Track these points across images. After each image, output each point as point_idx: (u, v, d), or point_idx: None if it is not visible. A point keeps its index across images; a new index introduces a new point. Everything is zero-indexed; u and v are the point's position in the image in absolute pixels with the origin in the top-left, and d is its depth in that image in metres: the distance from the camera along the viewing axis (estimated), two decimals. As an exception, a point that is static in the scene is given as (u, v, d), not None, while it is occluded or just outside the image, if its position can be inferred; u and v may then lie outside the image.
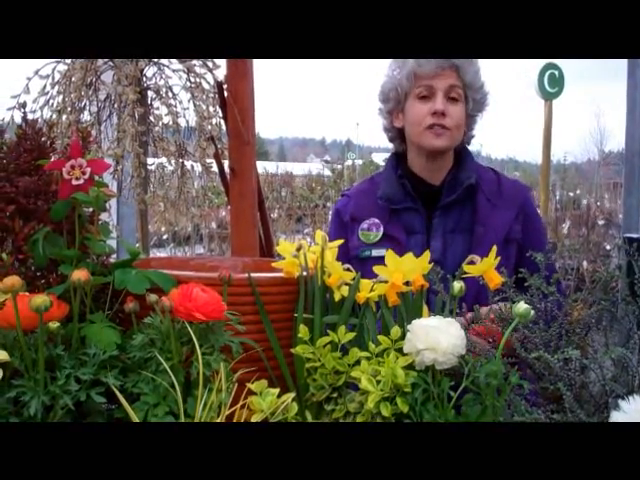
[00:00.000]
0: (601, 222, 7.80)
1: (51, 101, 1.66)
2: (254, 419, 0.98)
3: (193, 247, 7.65)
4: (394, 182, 1.66)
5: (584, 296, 1.14)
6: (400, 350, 1.04)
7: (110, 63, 1.68)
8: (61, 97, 1.66)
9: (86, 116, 1.73)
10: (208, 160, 1.74)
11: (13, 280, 0.88)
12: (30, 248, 1.07)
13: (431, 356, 0.98)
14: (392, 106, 1.65)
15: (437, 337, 0.98)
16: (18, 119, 1.27)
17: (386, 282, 1.11)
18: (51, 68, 1.65)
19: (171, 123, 1.72)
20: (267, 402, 1.00)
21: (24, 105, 1.29)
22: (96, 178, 1.09)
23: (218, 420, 0.92)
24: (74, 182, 1.06)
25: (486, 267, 1.14)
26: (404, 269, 1.09)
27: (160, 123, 1.75)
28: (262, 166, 12.60)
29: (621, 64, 3.60)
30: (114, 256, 1.19)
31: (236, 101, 1.81)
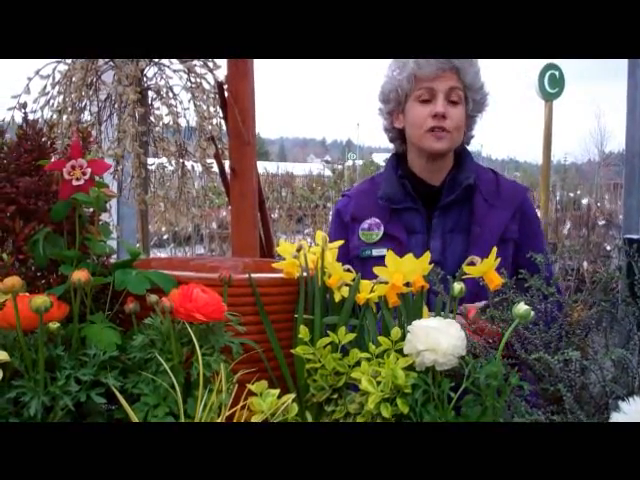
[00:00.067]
0: (601, 223, 7.80)
1: (52, 101, 1.66)
2: (254, 420, 0.98)
3: (193, 247, 7.65)
4: (394, 182, 1.66)
5: (584, 297, 1.14)
6: (400, 351, 1.04)
7: (111, 63, 1.68)
8: (62, 97, 1.66)
9: (86, 116, 1.73)
10: (208, 160, 1.74)
11: (13, 280, 0.88)
12: (30, 248, 1.07)
13: (431, 357, 0.98)
14: (392, 107, 1.66)
15: (437, 338, 0.98)
16: (19, 119, 1.27)
17: (386, 283, 1.11)
18: (52, 68, 1.65)
19: (171, 123, 1.72)
20: (267, 403, 1.00)
21: (25, 105, 1.29)
22: (96, 178, 1.09)
23: (218, 421, 0.92)
24: (74, 182, 1.06)
25: (486, 268, 1.14)
26: (404, 270, 1.09)
27: (160, 123, 1.75)
28: (262, 166, 12.60)
29: (621, 64, 3.60)
30: (114, 256, 1.19)
31: (236, 101, 1.81)
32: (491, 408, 0.98)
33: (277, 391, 1.02)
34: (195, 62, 1.69)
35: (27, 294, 0.94)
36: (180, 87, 1.71)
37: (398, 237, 1.60)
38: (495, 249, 1.15)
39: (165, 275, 1.09)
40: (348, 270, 1.17)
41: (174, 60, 1.70)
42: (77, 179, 1.06)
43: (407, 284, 1.10)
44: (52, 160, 1.13)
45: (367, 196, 1.69)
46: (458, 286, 1.10)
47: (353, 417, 1.04)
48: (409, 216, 1.63)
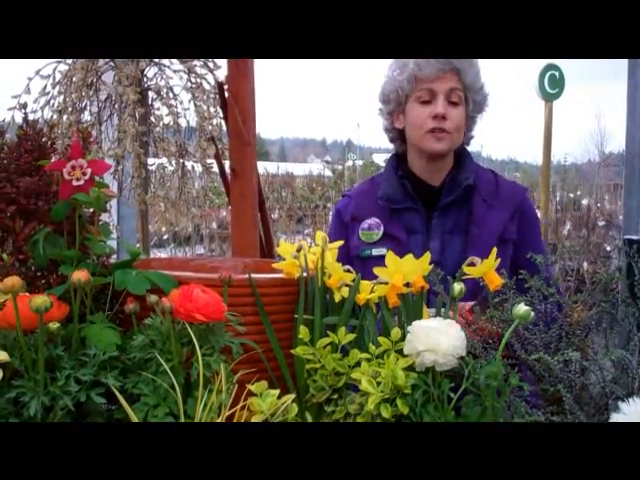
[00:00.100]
0: (601, 223, 7.80)
1: (52, 101, 1.66)
2: (254, 420, 0.98)
3: (194, 247, 7.65)
4: (394, 182, 1.67)
5: (584, 298, 1.14)
6: (400, 351, 1.04)
7: (111, 63, 1.68)
8: (62, 97, 1.66)
9: (87, 116, 1.73)
10: (209, 160, 1.74)
11: (13, 280, 0.89)
12: (30, 248, 1.07)
13: (431, 357, 0.98)
14: (393, 107, 1.66)
15: (437, 338, 0.98)
16: (19, 119, 1.27)
17: (386, 283, 1.11)
18: (52, 68, 1.65)
19: (172, 123, 1.72)
20: (267, 403, 1.00)
21: (25, 105, 1.29)
22: (97, 179, 1.09)
23: (218, 421, 0.92)
24: (75, 183, 1.06)
25: (486, 269, 1.14)
26: (404, 270, 1.09)
27: (161, 123, 1.75)
28: (263, 166, 12.60)
29: (621, 65, 3.60)
30: (114, 257, 1.19)
31: (237, 102, 1.81)
32: (491, 409, 0.98)
33: (277, 391, 1.02)
34: (195, 62, 1.69)
35: (27, 294, 0.94)
36: (180, 87, 1.71)
37: (398, 237, 1.61)
38: (495, 250, 1.15)
39: (165, 275, 1.09)
40: (348, 270, 1.18)
41: (174, 60, 1.70)
42: (77, 179, 1.06)
43: (407, 284, 1.10)
44: (52, 160, 1.13)
45: (367, 196, 1.70)
46: (458, 287, 1.10)
47: (353, 417, 1.04)
48: (409, 216, 1.63)
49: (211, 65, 1.72)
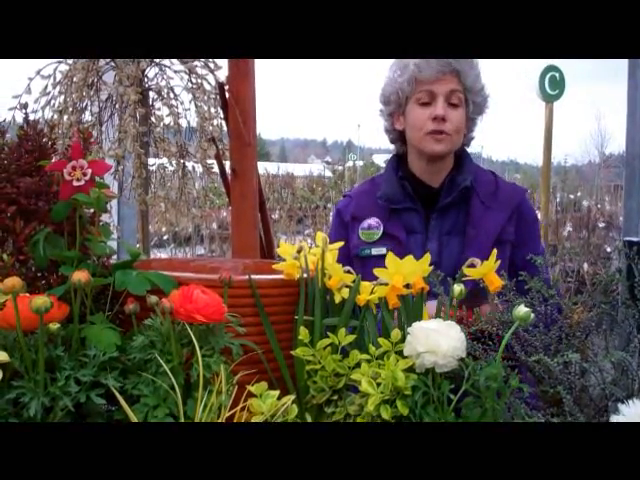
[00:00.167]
0: (602, 225, 7.80)
1: (52, 101, 1.66)
2: (254, 421, 0.98)
3: (194, 248, 7.65)
4: (395, 183, 1.67)
5: (584, 299, 1.14)
6: (400, 353, 1.04)
7: (112, 64, 1.69)
8: (62, 97, 1.66)
9: (87, 116, 1.73)
10: (209, 161, 1.74)
11: (14, 281, 0.88)
12: (31, 249, 1.07)
13: (431, 359, 0.98)
14: (393, 109, 1.66)
15: (437, 340, 0.98)
16: (19, 119, 1.27)
17: (386, 284, 1.11)
18: (53, 68, 1.65)
19: (172, 124, 1.72)
20: (267, 404, 1.00)
21: (25, 105, 1.29)
22: (97, 179, 1.09)
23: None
24: (75, 183, 1.06)
25: (486, 270, 1.14)
26: (404, 271, 1.09)
27: (161, 124, 1.75)
28: (263, 167, 12.60)
29: (621, 66, 3.60)
30: (115, 257, 1.19)
31: (237, 102, 1.81)
32: (491, 410, 0.98)
33: (277, 392, 1.02)
34: (196, 63, 1.69)
35: (27, 294, 0.94)
36: (181, 88, 1.71)
37: (397, 236, 1.61)
38: (495, 251, 1.15)
39: (165, 276, 1.09)
40: (348, 271, 1.18)
41: (175, 61, 1.70)
42: (78, 180, 1.06)
43: (407, 286, 1.10)
44: (53, 161, 1.13)
45: (367, 196, 1.70)
46: (458, 288, 1.10)
47: (353, 419, 1.04)
48: (408, 216, 1.64)
49: (212, 66, 1.72)
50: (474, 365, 1.00)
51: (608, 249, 6.93)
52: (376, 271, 1.12)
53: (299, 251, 1.19)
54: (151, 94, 1.74)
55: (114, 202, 2.38)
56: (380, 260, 1.14)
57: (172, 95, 1.72)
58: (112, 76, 1.70)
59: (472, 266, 1.16)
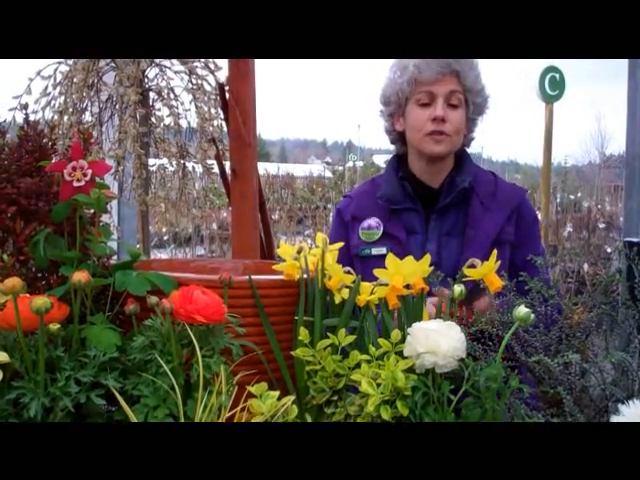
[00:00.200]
0: (602, 225, 7.80)
1: (53, 102, 1.66)
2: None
3: (194, 248, 7.65)
4: (395, 183, 1.67)
5: (584, 299, 1.14)
6: (400, 353, 1.04)
7: (112, 64, 1.69)
8: (63, 98, 1.66)
9: (87, 117, 1.73)
10: (209, 161, 1.74)
11: (14, 281, 0.89)
12: (31, 249, 1.07)
13: (431, 359, 0.98)
14: (393, 109, 1.67)
15: (437, 340, 0.98)
16: (20, 120, 1.27)
17: (386, 285, 1.11)
18: (53, 69, 1.65)
19: (172, 124, 1.72)
20: (267, 405, 1.00)
21: (26, 106, 1.29)
22: (97, 179, 1.09)
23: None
24: (75, 184, 1.06)
25: (486, 270, 1.14)
26: (404, 272, 1.09)
27: (161, 124, 1.75)
28: (263, 167, 12.59)
29: (622, 66, 3.60)
30: (115, 257, 1.19)
31: (237, 103, 1.81)
32: (491, 411, 0.98)
33: (277, 393, 1.02)
34: (196, 63, 1.69)
35: (27, 295, 0.94)
36: (181, 88, 1.71)
37: (397, 236, 1.61)
38: (495, 252, 1.15)
39: (165, 276, 1.09)
40: (348, 272, 1.18)
41: (175, 61, 1.70)
42: (78, 180, 1.06)
43: (407, 286, 1.10)
44: (53, 161, 1.13)
45: (368, 196, 1.71)
46: (458, 288, 1.10)
47: (353, 419, 1.04)
48: (408, 216, 1.64)
49: (212, 66, 1.72)
50: (474, 366, 1.00)
51: (608, 250, 6.93)
52: (376, 272, 1.12)
53: (299, 252, 1.19)
54: (151, 95, 1.74)
55: (114, 202, 2.38)
56: (380, 260, 1.14)
57: (172, 96, 1.72)
58: (112, 77, 1.70)
59: (472, 267, 1.16)
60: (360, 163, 17.71)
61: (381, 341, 1.07)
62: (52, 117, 1.65)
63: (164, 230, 7.90)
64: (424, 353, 0.98)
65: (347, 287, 1.17)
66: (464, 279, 1.16)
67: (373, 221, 1.65)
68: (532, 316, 1.00)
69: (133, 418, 0.90)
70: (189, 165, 1.81)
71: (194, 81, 1.70)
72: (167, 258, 4.61)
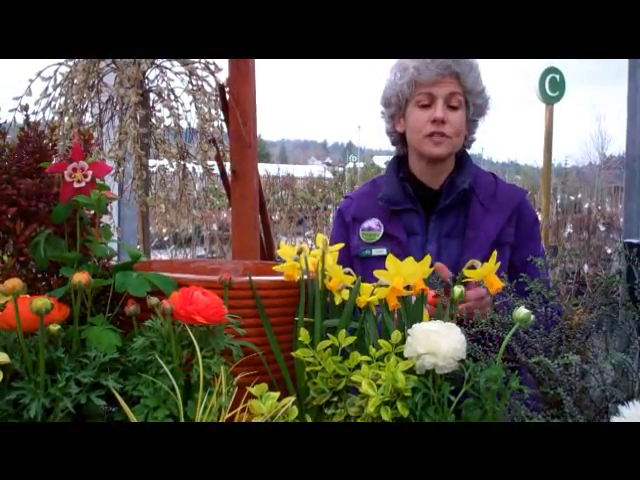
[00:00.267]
0: (602, 226, 7.80)
1: (53, 103, 1.67)
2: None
3: (194, 249, 7.66)
4: (395, 184, 1.67)
5: (585, 300, 1.14)
6: (401, 354, 1.04)
7: (112, 65, 1.69)
8: (63, 99, 1.66)
9: (88, 118, 1.74)
10: (209, 162, 1.75)
11: (14, 282, 0.89)
12: (31, 250, 1.07)
13: (431, 360, 0.98)
14: (394, 111, 1.67)
15: (437, 341, 0.98)
16: (20, 121, 1.28)
17: (387, 286, 1.11)
18: (53, 70, 1.65)
19: (173, 125, 1.72)
20: (267, 406, 1.00)
21: (26, 107, 1.29)
22: (98, 180, 1.09)
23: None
24: (76, 185, 1.06)
25: (486, 272, 1.14)
26: (405, 273, 1.09)
27: (162, 125, 1.76)
28: (263, 168, 12.60)
29: (622, 68, 3.60)
30: (115, 258, 1.19)
31: (238, 104, 1.81)
32: (491, 412, 0.98)
33: (277, 394, 1.02)
34: (196, 65, 1.69)
35: (28, 296, 0.94)
36: (181, 89, 1.71)
37: (398, 237, 1.62)
38: (495, 253, 1.15)
39: (165, 277, 1.09)
40: (349, 273, 1.18)
41: (175, 62, 1.70)
42: (78, 181, 1.06)
43: (407, 287, 1.10)
44: (53, 162, 1.13)
45: (368, 197, 1.71)
46: (458, 289, 1.10)
47: (353, 420, 1.03)
48: (409, 218, 1.64)
49: (212, 67, 1.72)
50: (474, 367, 1.00)
51: (608, 251, 6.93)
52: (376, 273, 1.12)
53: (299, 252, 1.19)
54: (152, 96, 1.74)
55: (115, 203, 2.38)
56: (380, 261, 1.14)
57: (172, 97, 1.72)
58: (113, 78, 1.70)
59: (472, 268, 1.16)
60: (360, 164, 17.71)
61: (381, 342, 1.07)
62: (52, 118, 1.66)
63: (164, 231, 7.90)
64: (424, 354, 0.98)
65: (347, 288, 1.17)
66: (464, 280, 1.16)
67: (373, 222, 1.65)
68: (532, 317, 1.00)
69: (133, 419, 0.90)
70: (189, 166, 1.81)
71: (194, 82, 1.70)
72: (167, 259, 4.62)
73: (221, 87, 1.78)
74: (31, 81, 1.64)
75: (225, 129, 1.84)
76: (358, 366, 1.06)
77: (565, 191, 10.48)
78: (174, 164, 1.78)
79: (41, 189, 1.10)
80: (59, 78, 1.66)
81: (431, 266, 1.12)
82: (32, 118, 1.20)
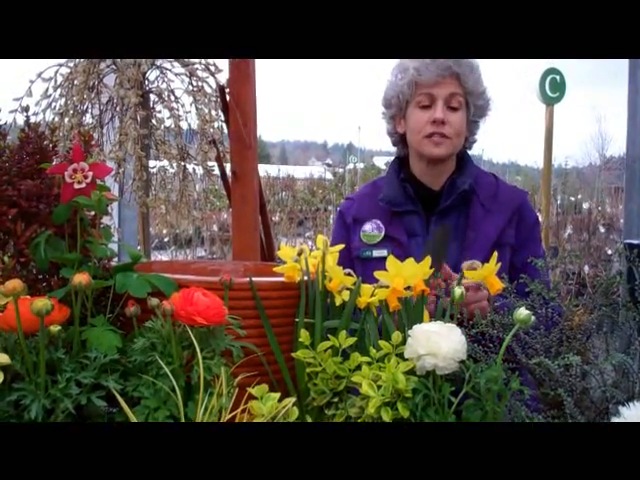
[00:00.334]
0: (602, 227, 7.80)
1: (53, 104, 1.66)
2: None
3: (194, 250, 7.66)
4: (396, 185, 1.67)
5: (585, 301, 1.14)
6: (401, 355, 1.04)
7: (112, 66, 1.69)
8: (63, 100, 1.66)
9: (88, 119, 1.73)
10: (210, 163, 1.74)
11: (15, 283, 0.89)
12: (32, 251, 1.07)
13: (432, 361, 0.98)
14: (394, 112, 1.67)
15: (438, 342, 0.98)
16: (21, 122, 1.28)
17: (387, 287, 1.11)
18: (54, 71, 1.65)
19: (173, 126, 1.72)
20: (268, 406, 1.00)
21: (27, 108, 1.29)
22: (98, 181, 1.09)
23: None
24: (76, 186, 1.06)
25: (487, 272, 1.14)
26: (405, 274, 1.10)
27: (162, 126, 1.76)
28: (264, 169, 12.60)
29: (622, 68, 3.60)
30: (115, 259, 1.19)
31: (238, 104, 1.81)
32: (491, 412, 0.98)
33: (277, 395, 1.02)
34: (197, 65, 1.69)
35: (28, 297, 0.94)
36: (182, 90, 1.71)
37: (399, 239, 1.62)
38: (495, 254, 1.15)
39: (166, 278, 1.09)
40: (349, 274, 1.18)
41: (176, 63, 1.70)
42: (79, 182, 1.06)
43: (408, 288, 1.10)
44: (54, 163, 1.13)
45: (369, 199, 1.71)
46: (459, 290, 1.10)
47: (354, 421, 1.03)
48: (410, 219, 1.64)
49: (212, 68, 1.72)
50: (475, 367, 1.00)
51: (609, 251, 6.93)
52: (377, 274, 1.12)
53: (300, 254, 1.19)
54: (152, 97, 1.74)
55: (115, 204, 2.38)
56: (381, 262, 1.14)
57: (173, 98, 1.72)
58: (113, 79, 1.70)
59: (472, 269, 1.16)
60: (361, 165, 17.71)
61: (382, 343, 1.07)
62: (53, 119, 1.65)
63: (165, 232, 7.90)
64: (425, 355, 0.98)
65: (348, 289, 1.17)
66: (464, 281, 1.16)
67: (374, 224, 1.65)
68: (533, 318, 1.00)
69: (134, 420, 0.90)
70: (190, 167, 1.81)
71: (195, 83, 1.70)
72: (168, 260, 4.62)
73: (221, 88, 1.78)
74: (31, 82, 1.64)
75: (225, 130, 1.84)
76: (358, 367, 1.06)
77: (565, 192, 10.47)
78: (174, 165, 1.78)
79: (42, 190, 1.10)
80: (59, 79, 1.66)
81: (431, 267, 1.12)
82: (32, 119, 1.20)
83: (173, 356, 0.96)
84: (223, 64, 1.78)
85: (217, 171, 1.85)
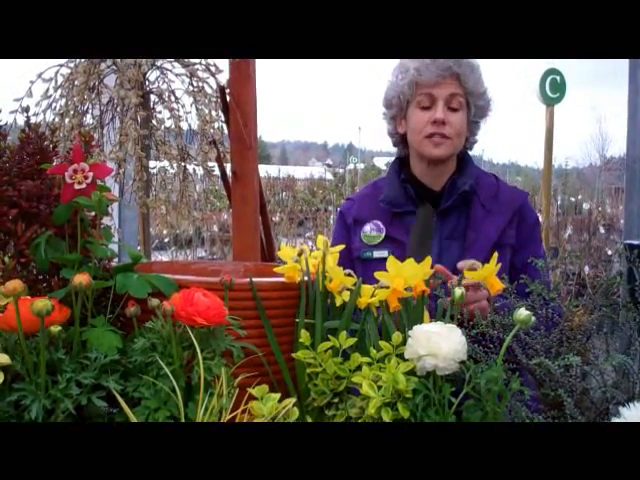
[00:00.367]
0: (602, 227, 7.80)
1: (54, 104, 1.66)
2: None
3: (195, 250, 7.66)
4: (397, 186, 1.67)
5: (585, 302, 1.14)
6: (401, 356, 1.04)
7: (113, 67, 1.69)
8: (64, 100, 1.66)
9: (89, 119, 1.73)
10: (210, 164, 1.74)
11: (15, 284, 0.89)
12: (32, 252, 1.07)
13: (432, 362, 0.98)
14: (395, 112, 1.67)
15: (438, 343, 0.98)
16: (21, 122, 1.28)
17: (387, 287, 1.11)
18: (54, 71, 1.65)
19: (173, 127, 1.72)
20: (268, 407, 1.00)
21: (27, 109, 1.29)
22: (98, 182, 1.09)
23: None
24: (76, 186, 1.06)
25: (487, 273, 1.14)
26: (405, 275, 1.10)
27: (162, 127, 1.76)
28: (264, 170, 12.59)
29: (622, 69, 3.61)
30: (116, 260, 1.19)
31: (238, 105, 1.81)
32: (492, 413, 0.98)
33: (278, 395, 1.02)
34: (197, 66, 1.69)
35: (29, 297, 0.94)
36: (182, 91, 1.71)
37: (399, 240, 1.62)
38: (496, 254, 1.15)
39: (166, 279, 1.09)
40: (349, 274, 1.18)
41: (176, 64, 1.70)
42: (79, 183, 1.06)
43: (408, 289, 1.10)
44: (54, 164, 1.13)
45: (370, 199, 1.71)
46: (459, 291, 1.10)
47: (354, 421, 1.03)
48: (410, 219, 1.64)
49: (213, 69, 1.72)
50: (475, 368, 1.00)
51: (609, 252, 6.93)
52: (377, 274, 1.12)
53: (300, 254, 1.19)
54: (152, 97, 1.74)
55: (115, 205, 2.38)
56: (381, 263, 1.14)
57: (173, 98, 1.72)
58: (113, 79, 1.70)
59: (473, 269, 1.16)
60: (361, 165, 17.72)
61: (382, 344, 1.07)
62: (53, 120, 1.65)
63: (165, 232, 7.90)
64: (425, 355, 0.98)
65: (348, 289, 1.17)
66: (464, 282, 1.16)
67: (375, 224, 1.65)
68: (533, 319, 1.00)
69: (134, 420, 0.90)
70: (190, 167, 1.81)
71: (195, 84, 1.70)
72: (168, 260, 4.62)
73: (222, 89, 1.78)
74: (32, 82, 1.64)
75: (226, 130, 1.84)
76: (359, 367, 1.06)
77: (566, 192, 10.48)
78: (175, 165, 1.78)
79: (42, 191, 1.10)
80: (60, 79, 1.66)
81: (431, 267, 1.12)
82: (33, 120, 1.20)
83: (173, 356, 0.97)
84: (223, 64, 1.78)
85: (217, 171, 1.85)
